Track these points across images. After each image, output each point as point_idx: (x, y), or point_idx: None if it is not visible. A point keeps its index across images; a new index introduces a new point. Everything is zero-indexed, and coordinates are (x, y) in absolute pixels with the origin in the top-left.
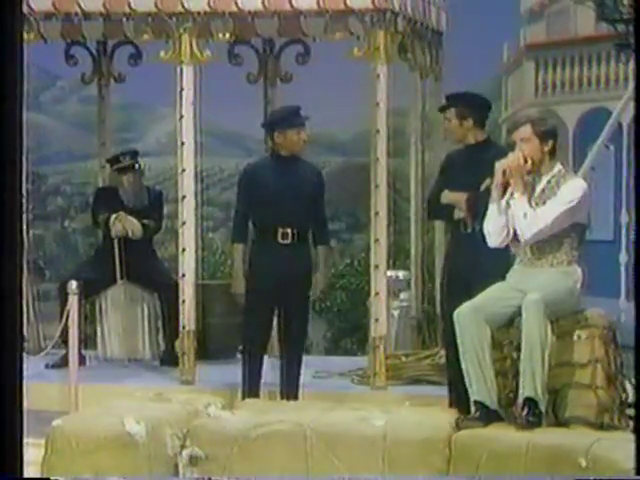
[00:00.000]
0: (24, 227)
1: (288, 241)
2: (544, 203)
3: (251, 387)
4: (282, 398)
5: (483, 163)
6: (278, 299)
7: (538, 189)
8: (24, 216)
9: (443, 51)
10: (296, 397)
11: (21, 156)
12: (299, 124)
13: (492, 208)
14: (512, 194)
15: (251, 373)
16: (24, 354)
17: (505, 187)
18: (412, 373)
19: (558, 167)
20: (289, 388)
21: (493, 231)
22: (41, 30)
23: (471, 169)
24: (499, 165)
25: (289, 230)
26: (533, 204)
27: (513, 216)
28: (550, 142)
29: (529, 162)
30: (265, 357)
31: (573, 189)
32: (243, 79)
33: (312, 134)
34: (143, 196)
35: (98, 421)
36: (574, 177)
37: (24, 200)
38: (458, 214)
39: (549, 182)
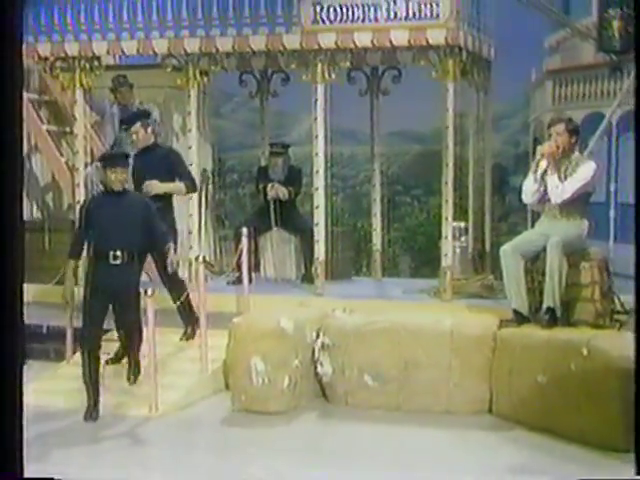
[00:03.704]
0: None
1: (118, 262)
2: (567, 177)
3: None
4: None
5: (156, 159)
6: (111, 304)
7: (563, 167)
8: (209, 187)
9: (491, 73)
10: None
11: (21, 151)
12: (116, 166)
13: (530, 176)
14: (546, 171)
15: (90, 372)
16: (210, 275)
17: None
18: (469, 290)
19: (577, 153)
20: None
21: (529, 193)
22: (224, 64)
23: (146, 166)
24: (539, 149)
25: (119, 252)
26: (562, 177)
27: (547, 186)
28: (575, 136)
29: (560, 149)
30: None
31: (587, 170)
32: (356, 93)
33: (401, 130)
34: (287, 172)
35: (262, 319)
36: (588, 161)
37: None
38: None
39: (571, 163)
